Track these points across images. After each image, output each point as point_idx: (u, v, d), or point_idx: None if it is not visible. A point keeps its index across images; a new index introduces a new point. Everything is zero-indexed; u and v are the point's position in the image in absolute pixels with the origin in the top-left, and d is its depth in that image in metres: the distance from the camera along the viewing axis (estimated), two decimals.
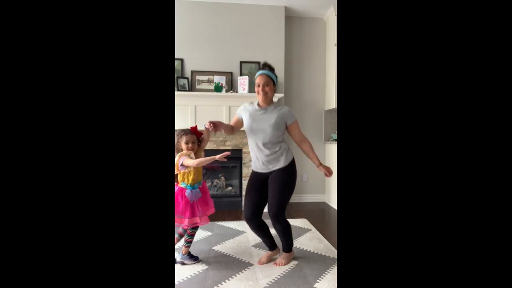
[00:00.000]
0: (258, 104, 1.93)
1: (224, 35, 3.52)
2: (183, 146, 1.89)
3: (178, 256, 2.01)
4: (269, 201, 1.91)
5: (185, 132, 1.90)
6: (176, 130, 1.89)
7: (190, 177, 1.88)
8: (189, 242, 2.00)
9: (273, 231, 2.13)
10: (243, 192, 3.39)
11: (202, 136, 1.98)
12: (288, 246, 2.01)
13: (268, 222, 2.05)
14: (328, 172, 1.91)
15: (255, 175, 1.99)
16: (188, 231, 1.97)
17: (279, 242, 2.08)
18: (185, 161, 1.82)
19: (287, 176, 1.89)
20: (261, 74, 1.86)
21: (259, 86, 1.84)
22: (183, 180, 1.89)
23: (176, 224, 1.84)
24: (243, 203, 3.39)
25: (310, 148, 1.95)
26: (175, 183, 1.91)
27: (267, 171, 1.91)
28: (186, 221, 1.84)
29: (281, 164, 1.89)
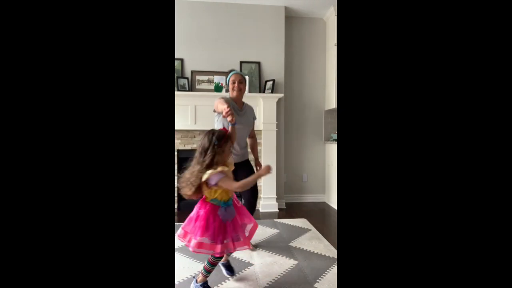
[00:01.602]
0: (235, 103, 2.13)
1: (224, 35, 3.52)
2: (228, 153, 1.53)
3: (192, 285, 1.65)
4: (250, 192, 2.11)
5: (225, 136, 1.52)
6: (209, 133, 1.51)
7: (223, 192, 1.51)
8: (208, 271, 1.62)
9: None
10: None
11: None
12: None
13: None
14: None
15: None
16: (210, 258, 1.60)
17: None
18: (225, 183, 1.45)
19: (250, 169, 2.20)
20: (236, 73, 2.11)
21: (234, 83, 2.08)
22: (214, 196, 1.52)
23: (205, 251, 1.49)
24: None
25: (256, 143, 2.34)
26: (201, 199, 1.56)
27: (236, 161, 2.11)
28: (219, 247, 1.47)
29: (245, 157, 2.19)
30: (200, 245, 1.47)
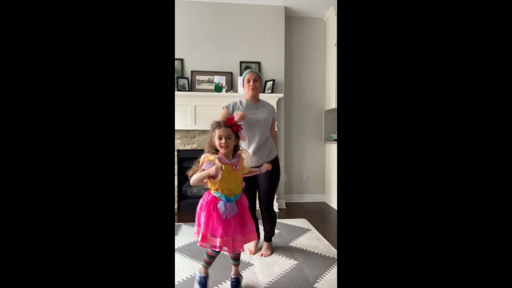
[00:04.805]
0: (248, 100, 2.08)
1: (224, 35, 3.52)
2: (216, 142, 1.53)
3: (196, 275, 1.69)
4: (262, 194, 2.10)
5: (218, 125, 1.55)
6: (213, 123, 1.59)
7: (224, 186, 1.50)
8: (207, 263, 1.64)
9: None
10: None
11: (240, 130, 1.61)
12: (272, 235, 2.21)
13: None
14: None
15: None
16: (208, 251, 1.59)
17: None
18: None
19: (276, 169, 2.07)
20: (250, 71, 2.07)
21: (249, 82, 2.03)
22: (216, 189, 1.51)
23: (203, 243, 1.48)
24: None
25: (276, 141, 2.23)
26: (208, 190, 1.58)
27: (255, 165, 1.95)
28: (218, 241, 1.45)
29: (269, 158, 2.05)
30: (203, 238, 1.47)
